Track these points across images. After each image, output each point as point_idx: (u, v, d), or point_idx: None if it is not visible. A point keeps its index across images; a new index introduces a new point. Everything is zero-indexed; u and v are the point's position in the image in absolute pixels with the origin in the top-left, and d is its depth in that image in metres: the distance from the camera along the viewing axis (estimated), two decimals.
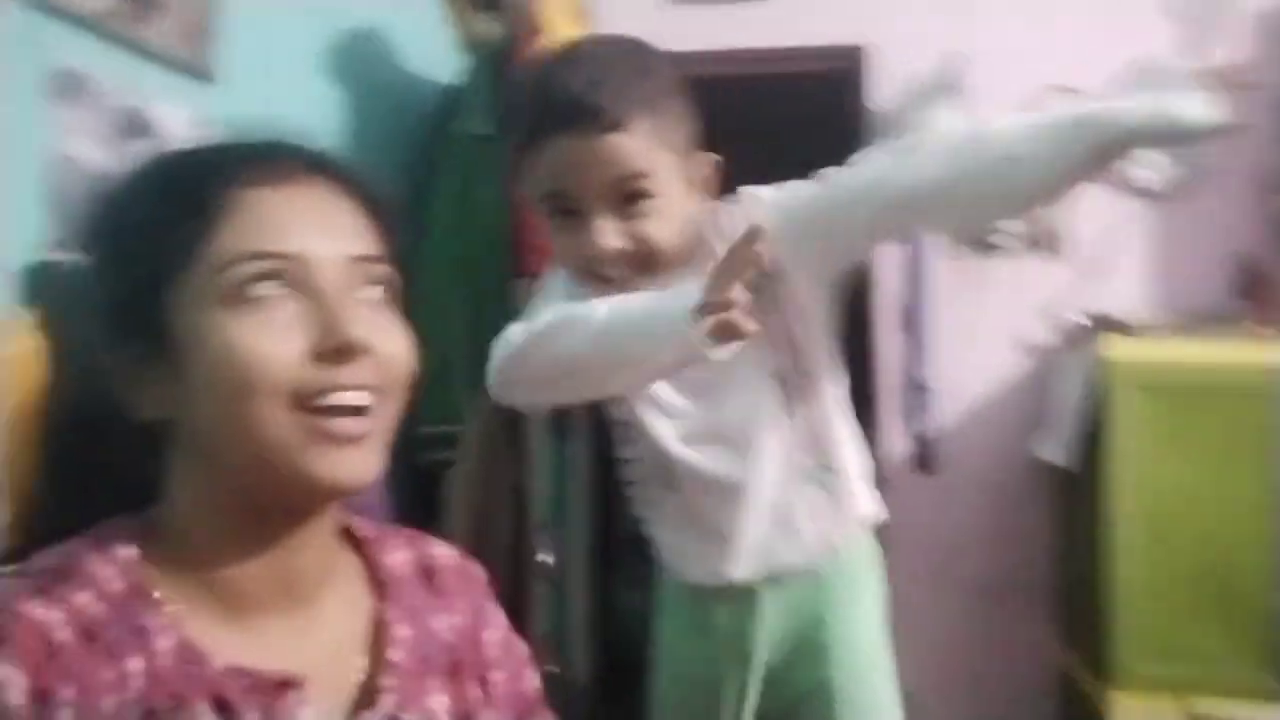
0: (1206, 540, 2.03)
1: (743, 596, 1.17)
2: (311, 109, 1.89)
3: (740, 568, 1.16)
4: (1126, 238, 2.62)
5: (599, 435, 3.78)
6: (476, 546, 1.78)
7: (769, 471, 1.13)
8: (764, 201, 1.09)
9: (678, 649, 1.25)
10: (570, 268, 1.08)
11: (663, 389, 1.14)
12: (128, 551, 0.63)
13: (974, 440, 2.62)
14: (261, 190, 0.64)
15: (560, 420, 2.85)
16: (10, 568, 0.63)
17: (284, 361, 0.61)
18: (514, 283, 1.85)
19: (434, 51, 2.23)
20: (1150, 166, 2.62)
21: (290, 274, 0.63)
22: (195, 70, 1.54)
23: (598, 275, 1.05)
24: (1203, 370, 2.08)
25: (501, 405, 1.81)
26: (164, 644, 0.61)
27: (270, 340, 0.61)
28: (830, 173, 1.07)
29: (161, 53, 1.46)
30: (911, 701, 1.22)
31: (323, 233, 0.65)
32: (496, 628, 0.79)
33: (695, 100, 1.09)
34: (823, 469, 1.15)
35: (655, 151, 1.02)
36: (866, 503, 1.20)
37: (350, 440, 0.63)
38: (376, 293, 0.67)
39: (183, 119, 1.50)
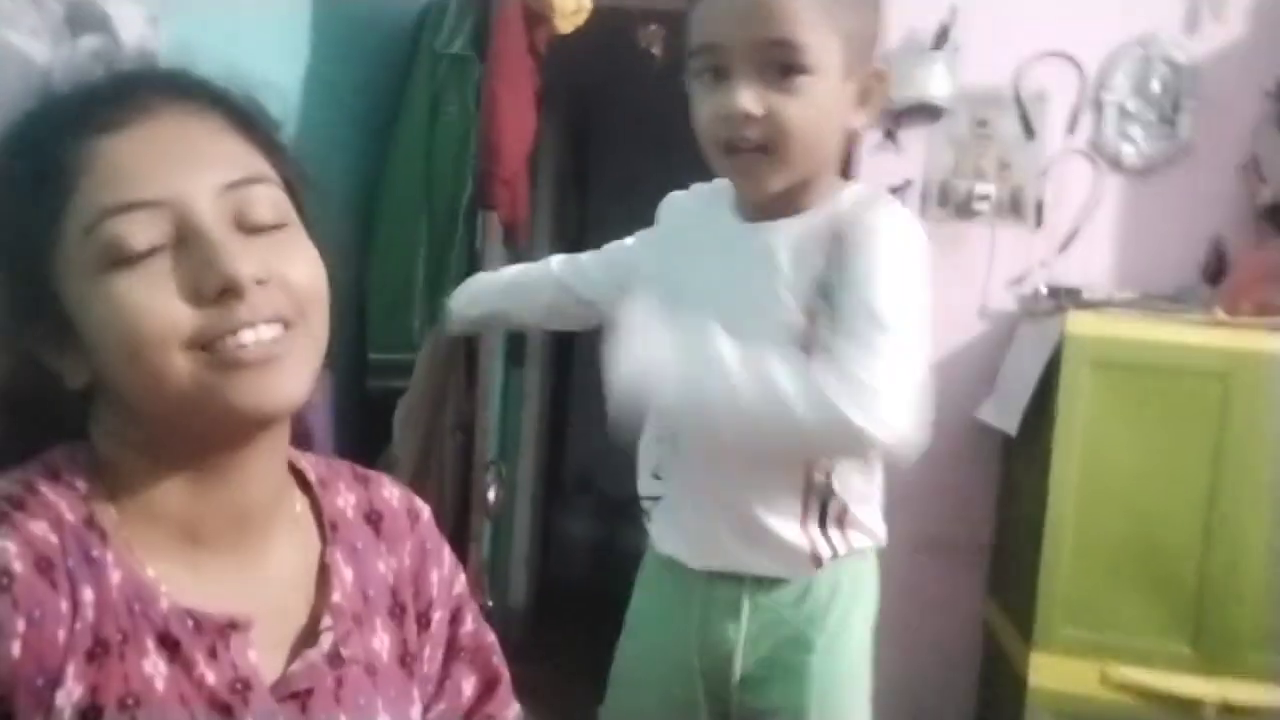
0: (1142, 516, 2.07)
1: (726, 592, 1.13)
2: (280, 11, 1.82)
3: (726, 558, 1.12)
4: (1102, 211, 2.62)
5: (555, 365, 3.82)
6: (421, 478, 1.81)
7: (770, 465, 1.10)
8: (876, 223, 1.04)
9: (654, 626, 1.21)
10: (704, 137, 1.04)
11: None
12: (80, 482, 0.62)
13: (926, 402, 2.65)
14: (117, 135, 0.60)
15: (516, 348, 2.86)
16: None
17: (170, 314, 0.59)
18: (476, 213, 1.83)
19: None
20: (1130, 141, 2.61)
21: (161, 221, 0.59)
22: None
23: (727, 143, 1.00)
24: (1156, 349, 2.10)
25: (455, 334, 1.81)
26: (114, 578, 0.61)
27: (152, 294, 0.58)
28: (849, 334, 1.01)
29: None
30: None
31: (190, 167, 0.61)
32: (443, 566, 0.80)
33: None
34: (824, 482, 1.11)
35: (821, 28, 0.97)
36: (868, 524, 1.15)
37: (265, 362, 0.61)
38: (266, 214, 0.63)
39: (139, 17, 1.44)
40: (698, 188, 1.20)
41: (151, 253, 0.59)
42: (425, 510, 0.82)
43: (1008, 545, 2.50)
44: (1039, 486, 2.14)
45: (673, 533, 1.17)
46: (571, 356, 3.87)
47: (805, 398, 0.95)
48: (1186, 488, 2.05)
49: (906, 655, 2.65)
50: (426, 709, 0.78)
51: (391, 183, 1.96)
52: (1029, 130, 2.64)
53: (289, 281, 0.63)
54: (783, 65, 0.97)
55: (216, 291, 0.59)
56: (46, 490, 0.61)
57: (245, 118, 0.66)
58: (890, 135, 2.67)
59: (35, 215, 0.60)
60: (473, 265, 1.89)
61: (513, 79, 1.85)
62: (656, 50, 2.53)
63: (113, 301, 0.58)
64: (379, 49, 2.09)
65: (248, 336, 0.60)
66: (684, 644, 1.15)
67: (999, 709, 2.41)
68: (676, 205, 1.21)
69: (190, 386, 0.59)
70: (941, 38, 2.57)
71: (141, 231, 0.59)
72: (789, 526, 1.10)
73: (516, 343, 2.89)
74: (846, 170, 2.69)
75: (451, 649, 0.80)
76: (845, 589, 1.15)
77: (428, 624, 0.78)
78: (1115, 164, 2.62)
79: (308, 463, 0.76)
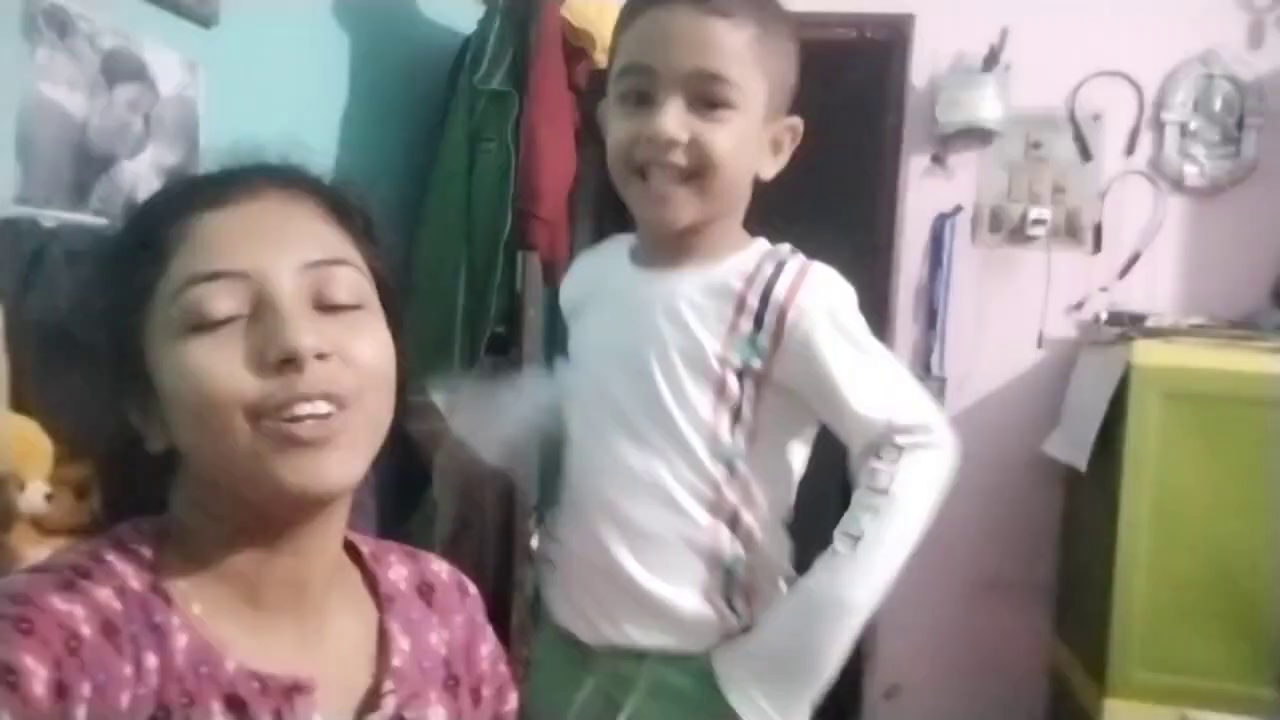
0: (1218, 552, 1.98)
1: (626, 668, 1.02)
2: (317, 54, 1.81)
3: (615, 627, 1.01)
4: (1164, 234, 2.52)
5: None
6: (463, 525, 1.77)
7: (669, 516, 1.00)
8: (810, 310, 0.97)
9: (547, 710, 1.07)
10: (619, 160, 1.00)
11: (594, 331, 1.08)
12: (146, 551, 0.65)
13: (983, 433, 2.55)
14: (213, 213, 0.65)
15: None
16: (33, 564, 0.64)
17: (235, 379, 0.61)
18: (516, 252, 1.80)
19: (450, 2, 2.14)
20: (1192, 161, 2.51)
21: (242, 292, 0.63)
22: (194, 12, 1.48)
23: (644, 168, 0.97)
24: (1229, 378, 2.00)
25: (498, 375, 1.77)
26: (179, 642, 0.62)
27: (220, 359, 0.62)
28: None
29: None
30: (899, 695, 1.15)
31: (274, 245, 0.65)
32: (489, 643, 0.83)
33: None
34: (733, 551, 1.01)
35: (751, 68, 0.96)
36: (778, 591, 1.03)
37: (316, 443, 0.62)
38: (342, 294, 0.66)
39: (177, 64, 1.43)
40: (603, 245, 1.15)
41: (228, 321, 0.62)
42: (472, 586, 0.84)
43: (1074, 584, 2.40)
44: (1107, 522, 2.05)
45: (563, 602, 1.07)
46: None
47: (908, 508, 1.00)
48: (1265, 522, 1.95)
49: (969, 702, 2.54)
50: None
51: (430, 222, 1.94)
52: (1085, 152, 2.56)
53: (352, 359, 0.65)
54: (710, 98, 0.95)
55: (277, 360, 0.62)
56: (113, 559, 0.63)
57: (341, 206, 0.70)
58: (938, 160, 2.60)
59: (134, 282, 0.64)
60: (513, 305, 1.86)
61: (552, 115, 1.82)
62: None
63: (186, 364, 0.62)
64: (417, 87, 2.08)
65: (303, 409, 0.62)
66: None
67: None
68: (578, 265, 1.19)
69: (247, 457, 0.62)
70: (991, 60, 2.50)
71: (220, 300, 0.62)
72: (692, 597, 1.00)
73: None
74: (893, 197, 2.63)
75: None
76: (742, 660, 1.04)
77: (479, 700, 0.80)
78: (1177, 185, 2.52)
79: (355, 536, 0.78)
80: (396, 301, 0.72)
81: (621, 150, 0.99)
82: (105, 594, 0.61)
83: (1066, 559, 2.49)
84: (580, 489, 1.05)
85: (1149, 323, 2.23)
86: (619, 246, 1.11)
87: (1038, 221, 2.54)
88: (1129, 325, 2.22)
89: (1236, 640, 1.96)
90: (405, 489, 1.74)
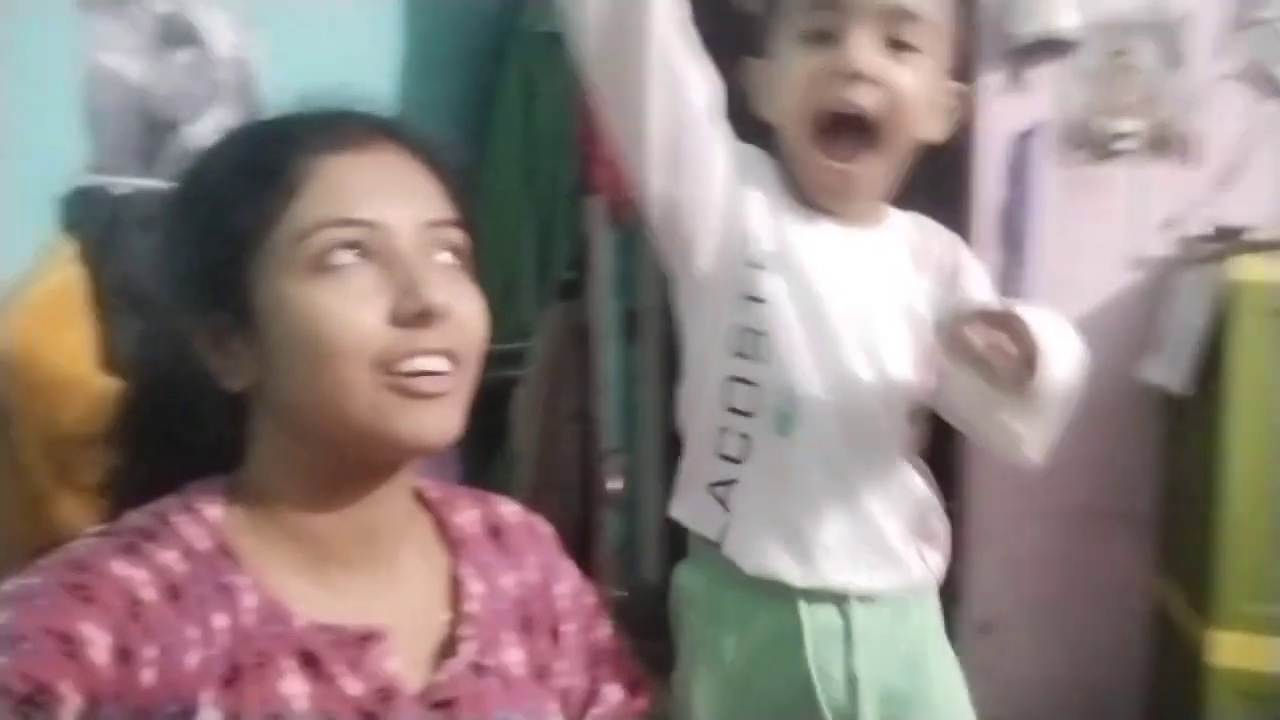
0: None
1: (829, 611, 0.99)
2: (367, 7, 1.79)
3: (836, 569, 0.98)
4: (1264, 142, 2.36)
5: (673, 333, 3.76)
6: (543, 470, 1.77)
7: (895, 457, 1.01)
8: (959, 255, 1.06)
9: (731, 662, 1.01)
10: (795, 105, 0.95)
11: (817, 306, 0.98)
12: (214, 511, 0.65)
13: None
14: (338, 157, 0.65)
15: (630, 323, 2.80)
16: (99, 528, 0.64)
17: (366, 327, 0.62)
18: (580, 198, 1.77)
19: None
20: None
21: (368, 241, 0.64)
22: None
23: (822, 114, 0.94)
24: None
25: (569, 320, 1.75)
26: (249, 602, 0.63)
27: (352, 306, 0.62)
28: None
29: None
30: (992, 629, 1.13)
31: (398, 199, 0.66)
32: (567, 580, 0.83)
33: None
34: (924, 489, 1.04)
35: (940, 9, 0.95)
36: (945, 546, 1.07)
37: (431, 397, 0.64)
38: (450, 257, 0.69)
39: (229, 25, 1.43)
40: (747, 158, 1.03)
41: (355, 268, 0.63)
42: (545, 525, 0.85)
43: (1176, 514, 2.31)
44: (1210, 449, 1.95)
45: (763, 541, 0.99)
46: None
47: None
48: None
49: (1070, 638, 2.48)
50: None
51: (492, 170, 1.92)
52: (1174, 58, 2.40)
53: (463, 321, 0.67)
54: (901, 37, 0.93)
55: (414, 315, 0.63)
56: (178, 521, 0.64)
57: (443, 166, 0.71)
58: (1015, 76, 2.47)
59: (250, 216, 0.64)
60: (579, 250, 1.83)
61: None
62: (754, 7, 2.41)
63: (313, 308, 0.62)
64: (471, 34, 2.06)
65: (426, 364, 0.64)
66: (804, 688, 0.99)
67: (1176, 692, 2.23)
68: (762, 171, 1.04)
69: (362, 403, 0.63)
70: None
71: (351, 246, 0.64)
72: (900, 533, 1.02)
73: (630, 319, 2.84)
74: (967, 117, 2.51)
75: (593, 659, 0.83)
76: (931, 608, 1.06)
77: (557, 638, 0.80)
78: (1277, 89, 2.35)
79: (423, 483, 0.78)
80: (476, 262, 0.73)
81: (802, 92, 0.94)
82: (171, 556, 0.61)
83: (1167, 487, 2.39)
84: (800, 423, 0.98)
85: (1250, 237, 2.10)
86: (771, 180, 1.02)
87: (1125, 135, 2.40)
88: (1229, 240, 2.10)
89: None
90: (484, 439, 1.75)
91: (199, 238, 0.66)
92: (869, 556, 1.00)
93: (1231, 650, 1.92)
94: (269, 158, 0.65)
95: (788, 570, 0.99)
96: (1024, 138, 2.46)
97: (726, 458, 1.00)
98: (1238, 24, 2.37)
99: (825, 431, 0.97)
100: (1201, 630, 1.97)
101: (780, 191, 1.01)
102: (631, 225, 2.04)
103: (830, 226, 1.00)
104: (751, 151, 1.02)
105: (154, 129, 1.32)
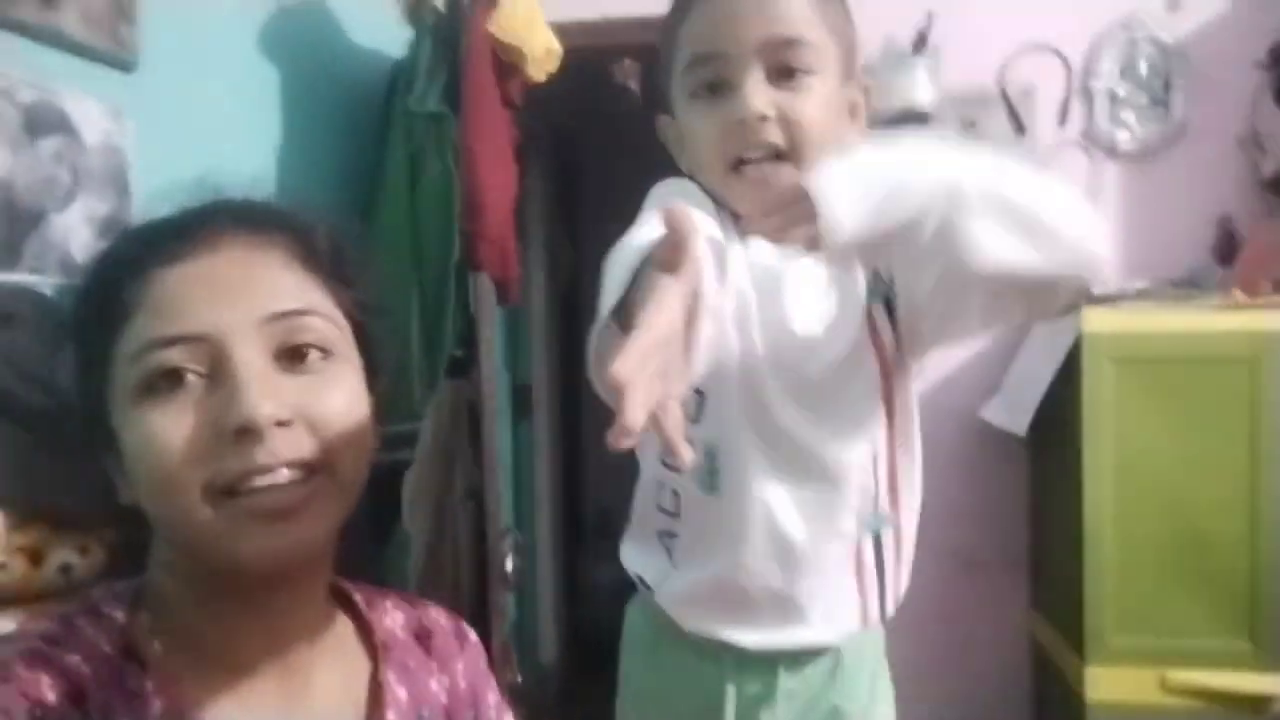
0: (1183, 511, 2.01)
1: (757, 673, 0.99)
2: (245, 92, 1.78)
3: (766, 628, 0.98)
4: (1102, 200, 2.56)
5: (564, 410, 3.76)
6: (435, 553, 1.74)
7: (843, 520, 0.97)
8: None
9: (659, 706, 1.04)
10: (710, 158, 0.94)
11: (762, 366, 0.94)
12: (118, 615, 0.63)
13: (944, 411, 2.58)
14: (171, 269, 0.62)
15: (521, 400, 2.80)
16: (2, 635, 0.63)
17: (190, 449, 0.59)
18: (466, 276, 1.78)
19: (380, 25, 2.12)
20: (1123, 126, 2.56)
21: (198, 356, 0.60)
22: (112, 57, 1.44)
23: (737, 159, 0.92)
24: (1179, 339, 2.04)
25: (459, 398, 1.75)
26: (154, 708, 0.60)
27: (177, 428, 0.59)
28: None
29: (74, 41, 1.36)
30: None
31: (236, 299, 0.62)
32: (495, 693, 0.80)
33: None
34: (884, 528, 1.00)
35: (821, 28, 0.92)
36: (903, 584, 1.04)
37: (280, 514, 0.60)
38: (308, 348, 0.63)
39: (100, 112, 1.40)
40: (689, 191, 0.99)
41: (185, 386, 0.60)
42: (473, 634, 0.82)
43: (1046, 556, 2.43)
44: (1072, 491, 2.07)
45: (696, 596, 0.99)
46: (579, 396, 3.81)
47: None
48: (1226, 478, 1.98)
49: (953, 680, 2.57)
50: None
51: (378, 251, 1.92)
52: (1019, 126, 2.59)
53: (317, 423, 0.62)
54: (788, 65, 0.91)
55: (233, 431, 0.59)
56: (83, 625, 0.62)
57: (309, 247, 0.66)
58: None
59: (95, 341, 0.63)
60: (469, 328, 1.84)
61: (489, 134, 1.81)
62: (633, 84, 2.50)
63: (142, 431, 0.60)
64: (353, 115, 2.06)
65: (261, 481, 0.59)
66: None
67: None
68: (701, 205, 0.98)
69: (205, 531, 0.60)
70: (920, 43, 2.53)
71: (176, 365, 0.60)
72: (835, 585, 0.98)
73: (522, 395, 2.83)
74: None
75: None
76: (869, 652, 1.05)
77: None
78: (1111, 151, 2.57)
79: (348, 585, 0.76)
80: (374, 342, 0.69)
81: (710, 146, 0.93)
82: (74, 660, 0.59)
83: (1036, 531, 2.52)
84: (760, 479, 0.96)
85: (1095, 290, 2.27)
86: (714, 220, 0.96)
87: None
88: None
89: (1208, 597, 1.99)
90: (376, 523, 1.71)
91: (76, 360, 0.66)
92: (800, 614, 0.98)
93: (1105, 684, 2.02)
94: (107, 284, 0.63)
95: (717, 628, 0.99)
96: None
97: (663, 510, 1.01)
98: (1074, 94, 2.58)
99: (751, 491, 0.95)
100: (1077, 666, 2.07)
101: (718, 218, 0.96)
102: (519, 299, 2.06)
103: (766, 245, 0.93)
104: (683, 185, 0.99)
105: (18, 220, 1.27)
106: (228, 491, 0.59)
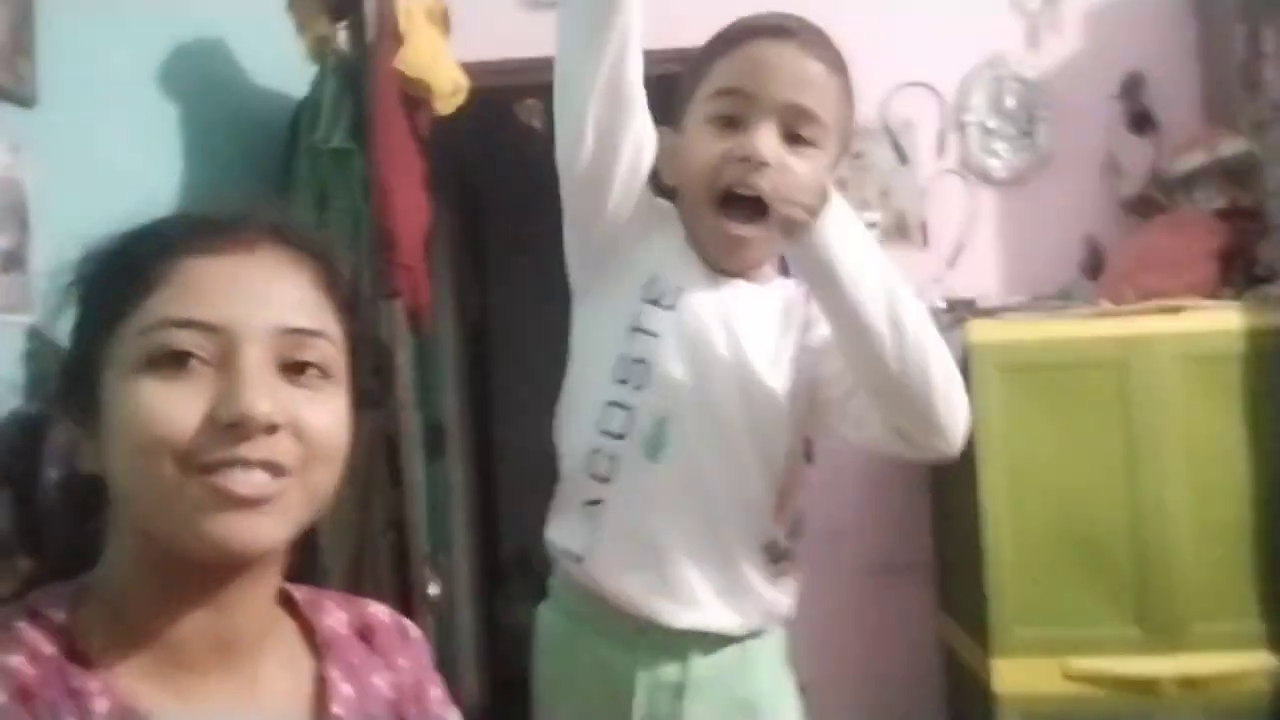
0: (1070, 508, 2.12)
1: (668, 659, 1.05)
2: (147, 128, 1.77)
3: (689, 597, 1.04)
4: (981, 224, 2.73)
5: (477, 451, 3.75)
6: (356, 584, 1.73)
7: (757, 496, 1.07)
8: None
9: (576, 685, 1.10)
10: (702, 181, 1.03)
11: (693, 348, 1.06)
12: (59, 615, 0.63)
13: None
14: (204, 259, 0.64)
15: (434, 438, 2.80)
16: None
17: (180, 424, 0.60)
18: (379, 304, 1.80)
19: (283, 62, 2.13)
20: (995, 155, 2.74)
21: (210, 345, 0.62)
22: (12, 93, 1.43)
23: (727, 190, 1.01)
24: (1055, 346, 2.18)
25: (374, 431, 1.75)
26: (100, 707, 0.60)
27: (172, 404, 0.61)
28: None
29: None
30: (805, 693, 1.19)
31: (257, 303, 0.64)
32: (439, 688, 0.80)
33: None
34: (783, 533, 1.09)
35: (836, 111, 1.03)
36: (792, 589, 1.14)
37: (250, 503, 0.61)
38: (312, 367, 0.66)
39: (0, 147, 1.38)
40: (661, 208, 1.12)
41: (194, 370, 0.62)
42: (415, 629, 0.82)
43: (951, 559, 2.53)
44: (970, 496, 2.18)
45: (623, 560, 1.05)
46: (492, 437, 3.81)
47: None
48: (1106, 473, 2.11)
49: (869, 683, 2.64)
50: None
51: None
52: (902, 156, 2.75)
53: (304, 430, 0.64)
54: (800, 133, 1.02)
55: (228, 420, 0.61)
56: (22, 626, 0.62)
57: (330, 274, 0.69)
58: None
59: (109, 305, 0.64)
60: (382, 358, 1.85)
61: (400, 165, 1.84)
62: (537, 123, 2.56)
63: (136, 401, 0.61)
64: (256, 153, 2.06)
65: (236, 474, 0.61)
66: (625, 712, 1.06)
67: None
68: (671, 223, 1.13)
69: (174, 505, 0.61)
70: None
71: (187, 347, 0.62)
72: (754, 571, 1.07)
73: (434, 434, 2.82)
74: None
75: None
76: (773, 648, 1.12)
77: None
78: (985, 179, 2.75)
79: (290, 586, 0.76)
80: (364, 377, 0.72)
81: (708, 170, 1.02)
82: (18, 660, 0.59)
83: (942, 536, 2.63)
84: (696, 452, 1.06)
85: (978, 305, 2.41)
86: (675, 237, 1.11)
87: (870, 225, 2.71)
88: (961, 309, 2.39)
89: (1099, 587, 2.10)
90: (293, 554, 1.70)
91: (72, 330, 0.67)
92: (722, 589, 1.05)
93: (1010, 676, 2.11)
94: (135, 255, 0.65)
95: (642, 595, 1.04)
96: None
97: (596, 477, 1.07)
98: (949, 126, 2.76)
99: (692, 460, 1.05)
100: (984, 661, 2.16)
101: (683, 242, 1.10)
102: (430, 329, 2.08)
103: (721, 279, 1.09)
104: (665, 205, 1.12)
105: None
106: (202, 469, 0.60)
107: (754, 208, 1.01)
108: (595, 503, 1.07)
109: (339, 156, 1.92)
